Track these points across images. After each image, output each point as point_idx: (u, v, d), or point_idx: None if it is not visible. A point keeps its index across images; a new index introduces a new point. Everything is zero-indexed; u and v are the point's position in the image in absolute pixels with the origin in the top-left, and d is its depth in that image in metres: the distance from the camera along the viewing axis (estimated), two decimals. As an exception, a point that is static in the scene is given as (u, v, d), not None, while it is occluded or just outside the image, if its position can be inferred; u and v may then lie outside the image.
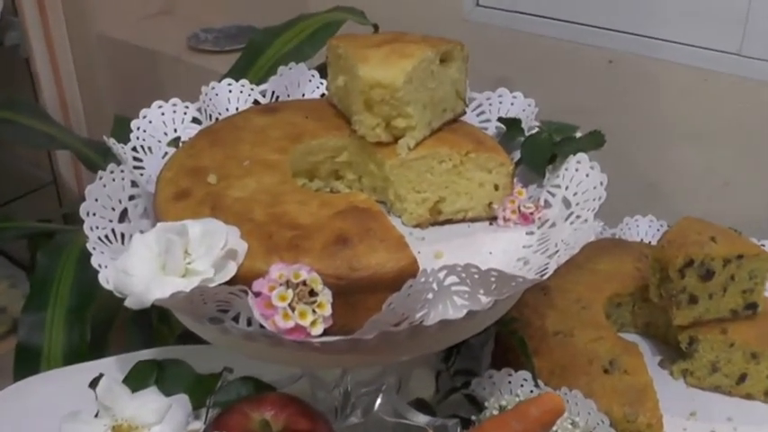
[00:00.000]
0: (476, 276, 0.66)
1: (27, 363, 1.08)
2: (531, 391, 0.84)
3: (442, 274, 0.65)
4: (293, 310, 0.65)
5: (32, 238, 1.31)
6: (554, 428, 0.79)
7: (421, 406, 0.86)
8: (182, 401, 0.74)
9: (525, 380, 0.85)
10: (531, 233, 0.81)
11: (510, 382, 0.85)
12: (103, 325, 1.18)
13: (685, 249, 0.91)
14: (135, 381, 0.77)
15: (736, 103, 1.34)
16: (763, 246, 1.01)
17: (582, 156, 0.82)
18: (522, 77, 1.46)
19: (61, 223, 1.50)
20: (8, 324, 1.72)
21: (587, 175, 0.81)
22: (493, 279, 0.66)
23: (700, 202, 1.35)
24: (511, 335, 0.91)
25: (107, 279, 0.71)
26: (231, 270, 0.68)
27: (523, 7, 1.49)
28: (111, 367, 0.86)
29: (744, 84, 1.31)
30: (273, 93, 0.96)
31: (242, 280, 0.67)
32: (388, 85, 0.77)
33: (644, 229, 1.13)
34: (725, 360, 0.94)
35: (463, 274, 0.66)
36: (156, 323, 1.16)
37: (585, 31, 1.44)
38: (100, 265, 0.72)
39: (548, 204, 0.83)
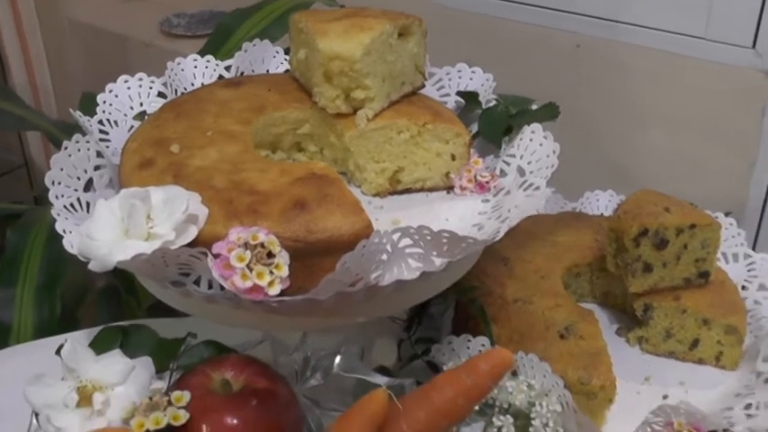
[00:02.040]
0: (428, 238, 0.69)
1: None
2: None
3: (395, 236, 0.69)
4: (251, 270, 0.68)
5: (3, 220, 1.33)
6: (510, 391, 0.82)
7: (383, 373, 0.89)
8: (145, 363, 0.76)
9: (483, 345, 0.88)
10: (487, 201, 0.85)
11: (468, 348, 0.88)
12: (74, 301, 1.21)
13: (640, 219, 0.95)
14: (100, 346, 0.80)
15: (702, 85, 1.38)
16: (716, 217, 1.04)
17: (536, 126, 0.86)
18: (490, 61, 1.49)
19: (32, 205, 1.53)
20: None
21: (541, 145, 0.85)
22: (445, 240, 0.69)
23: (668, 182, 1.39)
24: (471, 303, 0.94)
25: (71, 244, 0.73)
26: (192, 233, 0.71)
27: (493, -8, 1.53)
28: (80, 339, 0.89)
29: (709, 67, 1.35)
30: (238, 68, 0.99)
31: (203, 243, 0.70)
32: (346, 58, 0.81)
33: (604, 203, 1.17)
34: (678, 326, 0.97)
35: (416, 236, 0.69)
36: (124, 296, 1.18)
37: (553, 16, 1.48)
38: (64, 231, 0.75)
39: (503, 173, 0.87)
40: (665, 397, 0.93)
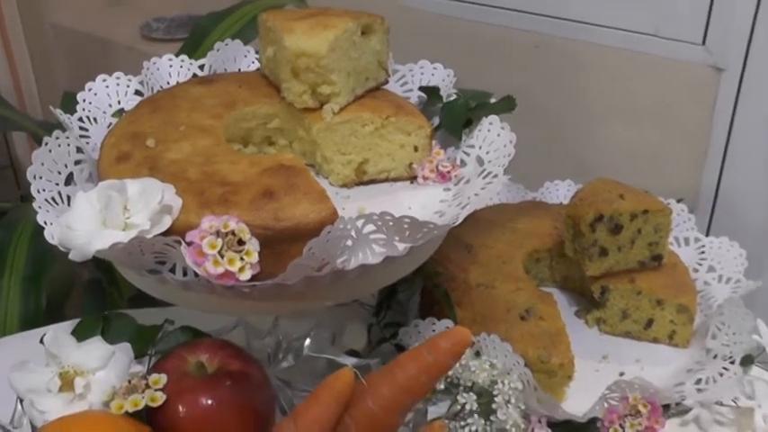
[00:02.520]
0: (390, 224, 0.70)
1: None
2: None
3: (359, 223, 0.69)
4: (222, 257, 0.69)
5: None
6: (473, 370, 0.83)
7: (353, 356, 0.90)
8: (124, 349, 0.77)
9: (448, 328, 0.89)
10: (449, 189, 0.86)
11: (434, 330, 0.89)
12: (60, 295, 1.21)
13: (595, 206, 0.96)
14: (82, 333, 0.80)
15: (655, 80, 1.39)
16: (669, 204, 1.06)
17: (493, 117, 0.87)
18: (454, 60, 1.49)
19: (18, 203, 1.52)
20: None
21: (498, 135, 0.86)
22: (406, 226, 0.70)
23: (625, 172, 1.40)
24: (435, 288, 0.95)
25: (52, 235, 0.74)
26: (166, 223, 0.72)
27: (457, -6, 1.54)
28: (62, 328, 0.89)
29: (661, 63, 1.37)
30: (211, 67, 0.99)
31: (177, 232, 0.70)
32: (312, 54, 0.82)
33: (563, 192, 1.18)
34: (633, 307, 0.99)
35: (379, 222, 0.70)
36: (107, 288, 1.19)
37: (513, 16, 1.48)
38: (45, 222, 0.75)
39: (463, 163, 0.88)
40: (621, 374, 0.94)
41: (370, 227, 0.71)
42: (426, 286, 0.98)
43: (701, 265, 1.06)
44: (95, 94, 0.93)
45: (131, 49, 1.73)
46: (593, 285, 1.00)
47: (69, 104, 0.93)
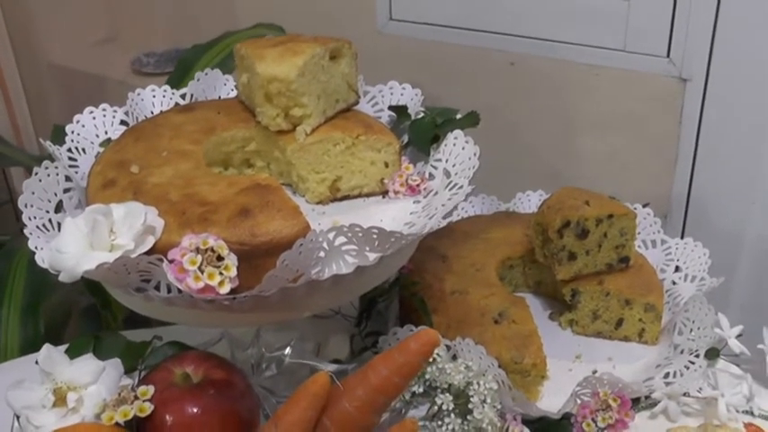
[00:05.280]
0: (360, 235, 0.73)
1: None
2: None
3: (331, 235, 0.72)
4: (203, 272, 0.71)
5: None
6: (449, 372, 0.86)
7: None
8: (115, 364, 0.79)
9: None
10: (418, 202, 0.88)
11: None
12: (58, 322, 1.23)
13: (562, 213, 0.98)
14: (75, 351, 0.82)
15: (625, 93, 1.41)
16: (635, 208, 1.08)
17: (458, 132, 0.90)
18: (434, 82, 1.53)
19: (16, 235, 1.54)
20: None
21: (463, 149, 0.89)
22: (374, 236, 0.73)
23: (597, 182, 1.42)
24: (412, 297, 0.98)
25: (42, 259, 0.77)
26: (149, 243, 0.74)
27: (433, 19, 1.56)
28: (57, 349, 0.91)
29: (629, 76, 1.39)
30: (192, 96, 1.02)
31: (160, 251, 0.73)
32: (283, 79, 0.84)
33: (534, 202, 1.19)
34: (603, 308, 1.01)
35: (349, 234, 0.73)
36: (101, 311, 1.21)
37: (489, 38, 1.51)
38: (36, 248, 0.78)
39: (432, 176, 0.90)
40: (594, 372, 0.96)
41: (341, 239, 0.73)
42: (404, 296, 1.00)
43: (667, 265, 1.08)
44: (83, 126, 0.96)
45: (123, 83, 1.76)
46: (564, 289, 1.02)
47: (59, 136, 0.96)
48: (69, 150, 0.93)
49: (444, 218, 1.12)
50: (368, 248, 0.75)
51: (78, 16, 1.92)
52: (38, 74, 1.87)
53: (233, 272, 0.72)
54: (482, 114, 1.13)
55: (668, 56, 1.35)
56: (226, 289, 0.72)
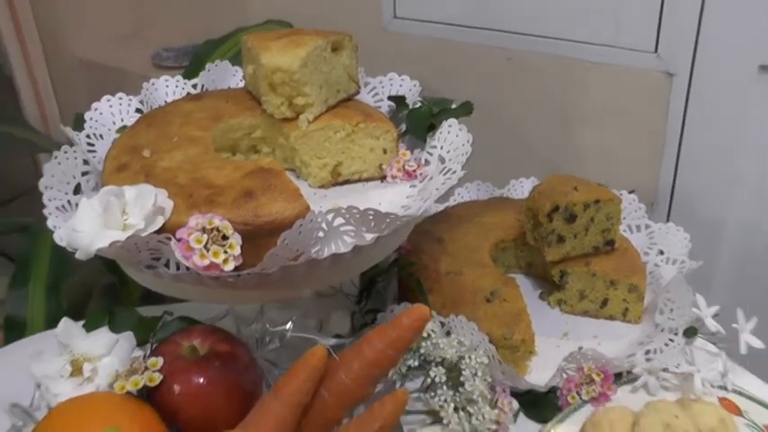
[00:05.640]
0: (357, 216, 0.72)
1: (14, 331, 1.12)
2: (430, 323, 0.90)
3: (330, 216, 0.72)
4: (208, 250, 0.70)
5: (18, 232, 1.35)
6: (442, 347, 0.85)
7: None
8: (128, 337, 0.79)
9: None
10: (414, 186, 0.87)
11: None
12: (81, 300, 1.23)
13: (552, 198, 0.98)
14: (91, 325, 0.82)
15: (615, 86, 1.40)
16: (621, 194, 1.08)
17: (452, 120, 0.89)
18: (435, 76, 1.52)
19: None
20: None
21: (457, 136, 0.88)
22: (371, 217, 0.72)
23: (588, 171, 1.41)
24: (409, 277, 0.97)
25: (60, 237, 0.76)
26: (159, 222, 0.73)
27: (434, 17, 1.55)
28: (74, 323, 0.91)
29: (619, 70, 1.38)
30: (203, 86, 1.01)
31: (169, 231, 0.72)
32: (286, 69, 0.83)
33: (527, 188, 1.19)
34: (590, 288, 1.00)
35: (347, 215, 0.72)
36: (119, 288, 1.21)
37: (487, 35, 1.50)
38: (55, 227, 0.78)
39: (428, 162, 0.89)
40: (580, 349, 0.95)
41: (340, 220, 0.73)
42: (401, 276, 1.00)
43: (651, 249, 1.07)
44: (101, 113, 0.95)
45: (143, 76, 1.75)
46: (553, 270, 1.01)
47: (79, 124, 0.95)
48: (88, 136, 0.92)
49: (440, 202, 1.13)
50: (365, 229, 0.74)
51: (103, 13, 1.92)
52: (65, 67, 1.87)
53: (237, 250, 0.72)
54: (480, 107, 1.11)
55: (656, 51, 1.33)
56: (230, 266, 0.71)
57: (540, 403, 0.89)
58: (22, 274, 1.11)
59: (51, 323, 1.13)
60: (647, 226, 1.09)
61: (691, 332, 0.94)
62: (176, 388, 0.72)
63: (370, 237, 0.74)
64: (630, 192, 1.11)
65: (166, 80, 1.01)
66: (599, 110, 1.43)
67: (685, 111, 1.35)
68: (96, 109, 0.95)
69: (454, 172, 0.84)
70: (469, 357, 0.84)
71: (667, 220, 1.44)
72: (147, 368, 0.73)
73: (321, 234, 0.73)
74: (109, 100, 0.96)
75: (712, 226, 1.38)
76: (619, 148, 1.43)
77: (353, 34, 0.91)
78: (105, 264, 0.93)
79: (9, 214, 1.39)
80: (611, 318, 1.01)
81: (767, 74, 1.25)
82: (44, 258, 1.13)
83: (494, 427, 0.84)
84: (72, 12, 1.88)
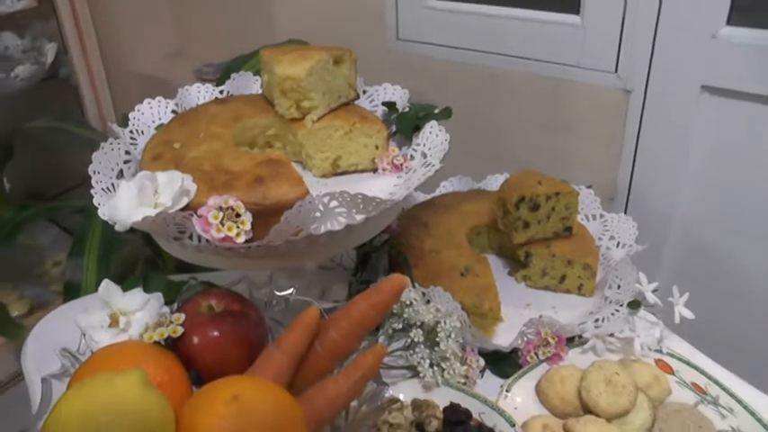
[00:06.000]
0: (348, 199, 0.73)
1: (71, 293, 1.14)
2: (410, 290, 0.91)
3: (325, 199, 0.73)
4: (223, 225, 0.72)
5: (77, 212, 1.36)
6: (422, 312, 0.85)
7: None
8: (157, 296, 0.80)
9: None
10: (401, 177, 0.88)
11: None
12: (128, 268, 1.24)
13: (519, 190, 0.98)
14: (128, 286, 0.83)
15: (580, 100, 1.40)
16: (580, 189, 1.08)
17: (433, 122, 0.89)
18: (431, 90, 1.53)
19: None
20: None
21: (437, 136, 0.88)
22: (360, 201, 0.73)
23: (559, 174, 1.42)
24: (398, 254, 0.98)
25: (103, 213, 0.78)
26: (184, 202, 0.75)
27: (431, 40, 1.55)
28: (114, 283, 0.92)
29: (583, 87, 1.38)
30: (228, 92, 1.02)
31: (192, 209, 0.74)
32: (294, 78, 0.85)
33: (501, 182, 1.19)
34: (550, 267, 1.01)
35: (340, 198, 0.73)
36: (157, 258, 1.22)
37: (474, 55, 1.50)
38: (99, 204, 0.79)
39: (413, 158, 0.90)
40: (540, 317, 0.96)
41: (334, 202, 0.73)
42: (391, 253, 1.00)
43: (604, 235, 1.07)
44: (143, 113, 0.97)
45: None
46: (520, 251, 1.02)
47: (125, 122, 0.97)
48: (131, 132, 0.94)
49: (427, 192, 1.13)
50: (355, 211, 0.75)
51: (154, 34, 1.93)
52: (121, 79, 1.89)
53: (248, 226, 0.73)
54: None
55: (616, 71, 1.33)
56: (242, 239, 0.72)
57: (503, 362, 0.90)
58: (78, 246, 1.12)
59: (102, 288, 1.15)
60: (602, 215, 1.10)
61: (635, 305, 0.94)
62: (195, 339, 0.73)
63: (360, 217, 0.75)
64: (588, 186, 1.11)
65: (198, 87, 1.02)
66: (567, 119, 1.42)
67: (641, 121, 1.35)
68: (139, 110, 0.97)
69: (433, 165, 0.84)
70: (444, 322, 0.85)
71: (625, 213, 1.44)
72: (171, 322, 0.74)
73: (318, 214, 0.73)
74: (149, 102, 0.98)
75: (662, 217, 1.38)
76: (583, 152, 1.42)
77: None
78: (145, 238, 0.94)
79: (72, 199, 1.40)
80: (567, 292, 1.02)
81: (707, 92, 1.25)
82: (97, 234, 1.15)
83: (462, 380, 0.84)
84: (129, 33, 1.90)
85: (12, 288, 1.44)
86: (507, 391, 0.84)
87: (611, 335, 0.91)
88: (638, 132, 1.35)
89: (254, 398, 0.62)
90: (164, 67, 1.90)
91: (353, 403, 0.74)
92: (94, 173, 0.84)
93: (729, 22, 1.19)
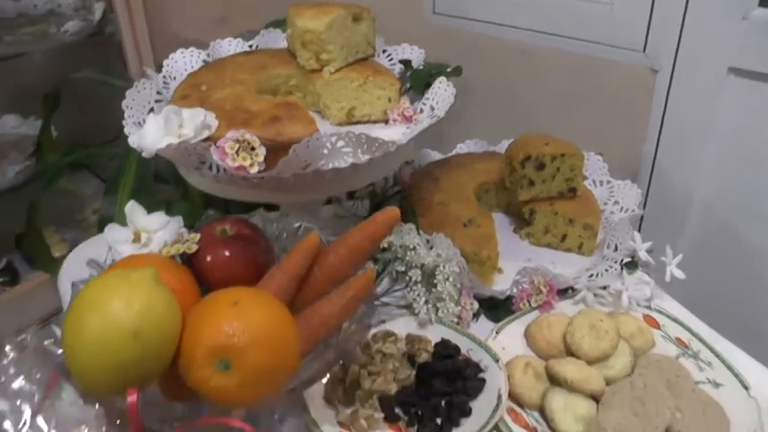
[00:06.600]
0: (353, 139, 0.83)
1: (104, 227, 1.25)
2: (415, 238, 1.00)
3: (333, 138, 0.83)
4: (238, 155, 0.83)
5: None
6: (423, 256, 0.94)
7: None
8: (178, 219, 0.88)
9: (411, 229, 1.00)
10: (410, 128, 0.97)
11: (402, 230, 1.01)
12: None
13: (525, 149, 1.06)
14: (152, 209, 0.92)
15: (609, 78, 1.45)
16: (589, 156, 1.15)
17: (442, 78, 0.98)
18: (465, 62, 1.60)
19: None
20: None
21: (445, 91, 0.97)
22: (363, 141, 0.83)
23: (587, 150, 1.48)
24: (407, 205, 1.07)
25: (133, 141, 0.89)
26: (205, 134, 0.86)
27: (466, 14, 1.63)
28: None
29: (611, 65, 1.43)
30: (257, 47, 1.13)
31: (213, 142, 0.85)
32: (314, 31, 0.95)
33: (516, 146, 1.27)
34: (552, 225, 1.08)
35: (346, 139, 0.83)
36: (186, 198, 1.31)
37: (507, 30, 1.57)
38: (129, 133, 0.90)
39: (422, 111, 0.99)
40: (534, 266, 1.02)
41: (341, 142, 0.83)
42: (402, 203, 1.09)
43: (609, 200, 1.14)
44: (176, 62, 1.08)
45: (230, 53, 1.88)
46: (524, 208, 1.09)
47: (160, 69, 1.09)
48: (164, 77, 1.05)
49: (443, 153, 1.22)
50: (360, 151, 0.85)
51: (200, 1, 2.04)
52: (165, 40, 1.99)
53: (261, 158, 0.83)
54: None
55: (644, 50, 1.39)
56: (255, 170, 0.83)
57: (498, 308, 0.98)
58: (113, 185, 1.22)
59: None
60: (609, 182, 1.17)
61: (632, 266, 1.02)
62: (208, 257, 0.82)
63: (364, 157, 0.85)
64: (598, 153, 1.18)
65: (229, 41, 1.13)
66: (594, 96, 1.48)
67: (666, 100, 1.40)
68: (173, 58, 1.08)
69: (438, 116, 0.93)
70: (444, 266, 0.93)
71: (647, 192, 1.50)
72: (187, 240, 0.84)
73: (326, 151, 0.83)
74: (182, 52, 1.09)
75: (684, 196, 1.43)
76: (607, 130, 1.48)
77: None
78: (175, 179, 1.05)
79: (113, 148, 1.52)
80: (568, 250, 1.09)
81: (733, 74, 1.30)
82: (130, 174, 1.23)
83: (455, 320, 0.93)
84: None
85: (54, 231, 1.58)
86: (497, 333, 0.93)
87: (604, 288, 0.98)
88: (664, 111, 1.40)
89: (253, 304, 0.73)
90: (207, 33, 2.00)
91: (345, 324, 0.83)
92: (127, 108, 0.95)
93: (762, 3, 1.24)
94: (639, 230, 1.23)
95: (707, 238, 1.44)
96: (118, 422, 0.69)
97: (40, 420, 0.66)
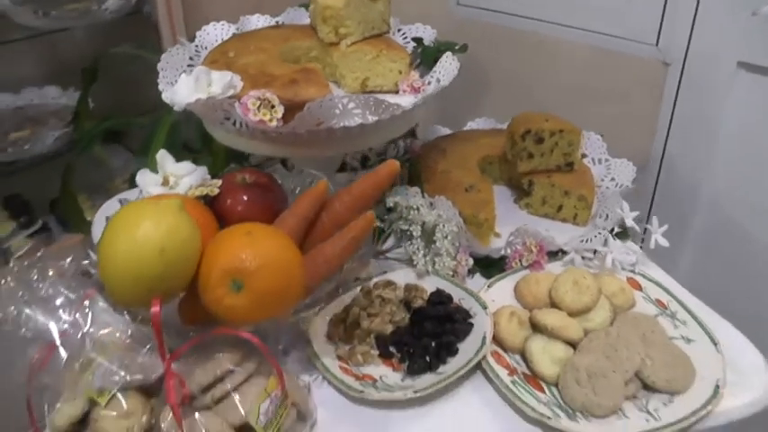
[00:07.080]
0: (362, 101, 0.95)
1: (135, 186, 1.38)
2: (420, 200, 1.11)
3: (344, 99, 0.95)
4: (259, 111, 0.96)
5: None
6: (425, 214, 1.06)
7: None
8: (203, 168, 0.99)
9: (416, 192, 1.10)
10: (417, 97, 1.09)
11: (407, 193, 1.11)
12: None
13: (526, 124, 1.17)
14: (181, 158, 1.05)
15: (620, 71, 1.54)
16: (590, 136, 1.27)
17: (448, 53, 1.10)
18: (486, 50, 1.71)
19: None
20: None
21: (450, 64, 1.10)
22: (372, 103, 0.96)
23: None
24: (414, 171, 1.20)
25: (166, 96, 1.02)
26: (230, 93, 0.99)
27: (488, 6, 1.76)
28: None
29: (624, 58, 1.53)
30: (283, 22, 1.27)
31: (237, 99, 0.98)
32: (333, 7, 1.07)
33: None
34: (549, 196, 1.18)
35: (356, 100, 0.96)
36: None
37: (525, 22, 1.68)
38: (163, 90, 1.04)
39: (430, 83, 1.12)
40: (526, 226, 1.10)
41: (352, 104, 0.96)
42: (411, 171, 1.21)
43: (606, 176, 1.24)
44: (208, 33, 1.22)
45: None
46: (523, 179, 1.19)
47: (193, 39, 1.23)
48: (197, 46, 1.19)
49: (453, 129, 1.34)
50: (368, 112, 0.97)
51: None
52: (198, 23, 2.13)
53: (279, 114, 0.95)
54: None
55: (657, 44, 1.48)
56: (274, 124, 0.95)
57: (492, 267, 1.09)
58: (145, 145, 1.35)
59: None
60: (607, 160, 1.27)
61: (623, 235, 1.13)
62: (228, 200, 0.94)
63: (372, 118, 0.98)
64: (598, 133, 1.29)
65: (258, 17, 1.26)
66: (606, 88, 1.58)
67: (677, 94, 1.49)
68: (205, 30, 1.22)
69: (444, 86, 1.06)
70: (443, 225, 1.05)
71: (656, 183, 1.60)
72: (211, 185, 0.97)
73: (337, 111, 0.96)
74: (214, 25, 1.23)
75: (691, 189, 1.51)
76: (618, 122, 1.55)
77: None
78: (202, 138, 1.18)
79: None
80: (564, 220, 1.19)
81: (743, 69, 1.39)
82: (161, 136, 1.36)
83: (451, 272, 1.05)
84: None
85: (86, 197, 1.73)
86: (489, 287, 1.04)
87: (594, 252, 1.09)
88: (674, 105, 1.50)
89: (264, 235, 0.85)
90: (239, 18, 2.14)
91: (346, 265, 0.96)
92: (162, 69, 1.09)
93: (772, 0, 1.33)
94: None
95: (714, 230, 1.52)
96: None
97: (79, 318, 0.79)
